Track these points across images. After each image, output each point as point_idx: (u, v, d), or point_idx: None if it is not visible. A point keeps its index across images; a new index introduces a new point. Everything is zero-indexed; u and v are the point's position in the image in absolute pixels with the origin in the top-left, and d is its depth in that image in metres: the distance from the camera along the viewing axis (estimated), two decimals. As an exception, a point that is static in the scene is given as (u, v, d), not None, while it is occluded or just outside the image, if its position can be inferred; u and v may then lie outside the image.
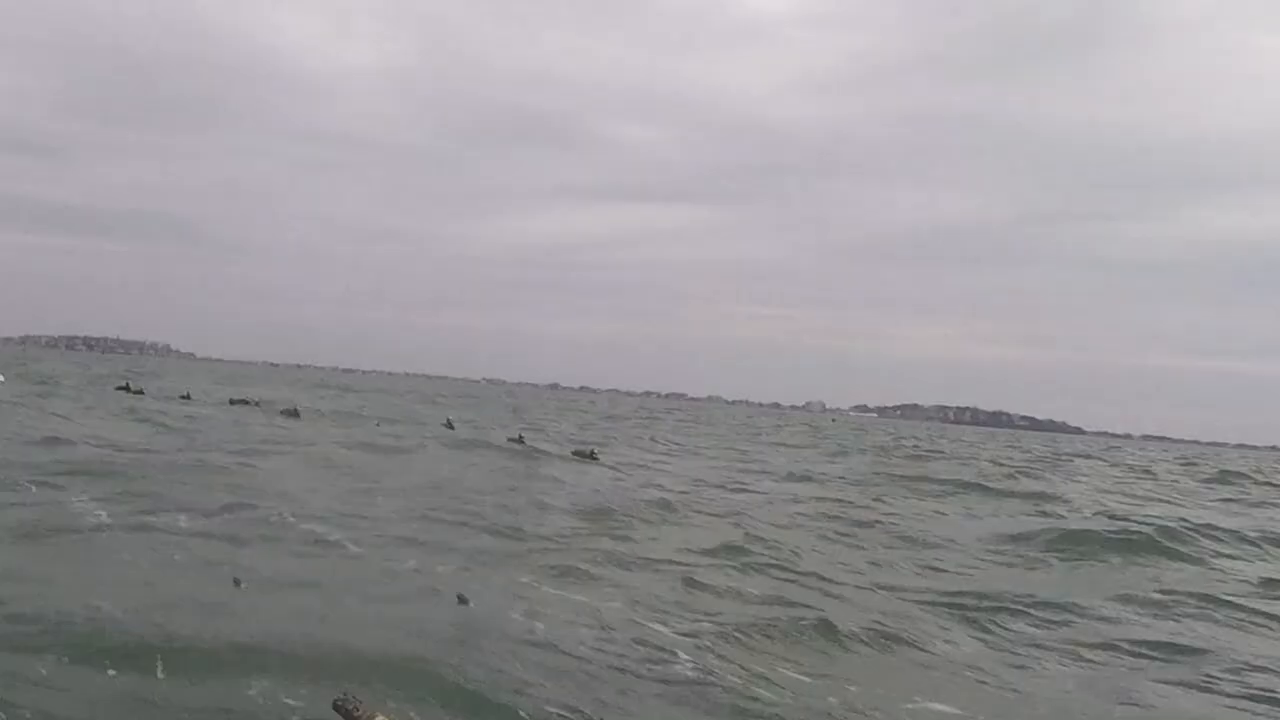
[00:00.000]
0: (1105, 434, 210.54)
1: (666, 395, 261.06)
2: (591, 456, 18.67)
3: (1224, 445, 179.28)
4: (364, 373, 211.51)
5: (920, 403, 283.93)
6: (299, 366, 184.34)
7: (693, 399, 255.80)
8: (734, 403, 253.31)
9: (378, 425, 24.06)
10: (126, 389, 29.30)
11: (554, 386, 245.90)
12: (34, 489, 9.14)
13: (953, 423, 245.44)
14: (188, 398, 26.95)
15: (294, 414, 23.90)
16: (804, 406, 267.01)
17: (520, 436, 20.71)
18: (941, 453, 39.28)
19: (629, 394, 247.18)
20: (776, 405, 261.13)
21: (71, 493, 9.00)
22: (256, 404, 26.66)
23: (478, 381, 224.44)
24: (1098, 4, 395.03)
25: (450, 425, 23.44)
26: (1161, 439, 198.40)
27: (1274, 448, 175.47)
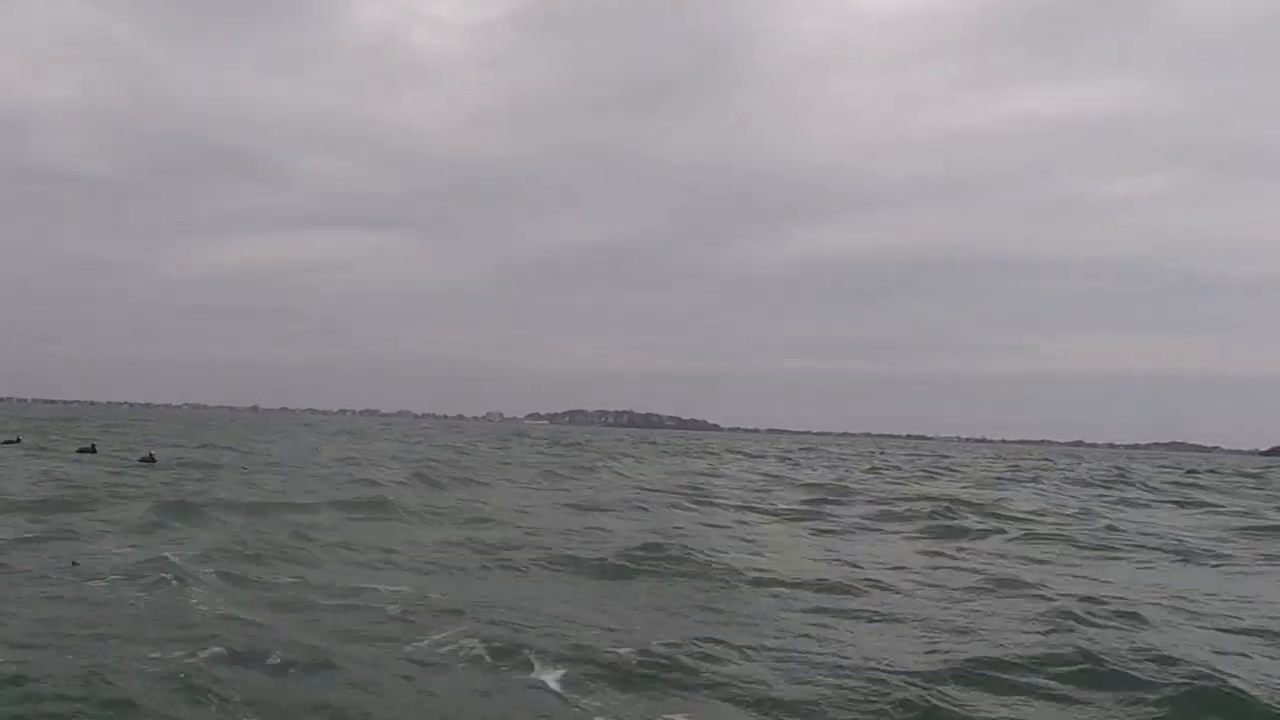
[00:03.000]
0: (739, 429, 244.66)
1: (360, 412, 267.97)
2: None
3: (820, 434, 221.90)
4: (64, 403, 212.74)
5: (585, 408, 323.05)
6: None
7: (384, 414, 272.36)
8: (421, 416, 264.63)
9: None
10: None
11: (254, 409, 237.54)
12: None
13: (611, 425, 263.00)
14: None
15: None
16: (484, 416, 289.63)
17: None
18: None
19: (325, 412, 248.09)
20: (460, 416, 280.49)
21: None
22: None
23: (180, 407, 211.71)
24: (707, 56, 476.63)
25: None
26: (783, 432, 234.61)
27: (847, 434, 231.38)
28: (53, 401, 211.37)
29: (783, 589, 9.61)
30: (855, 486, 28.26)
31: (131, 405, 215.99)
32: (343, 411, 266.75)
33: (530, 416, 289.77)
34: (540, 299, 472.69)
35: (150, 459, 23.85)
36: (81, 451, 26.49)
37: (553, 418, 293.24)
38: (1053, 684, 6.05)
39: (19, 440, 29.84)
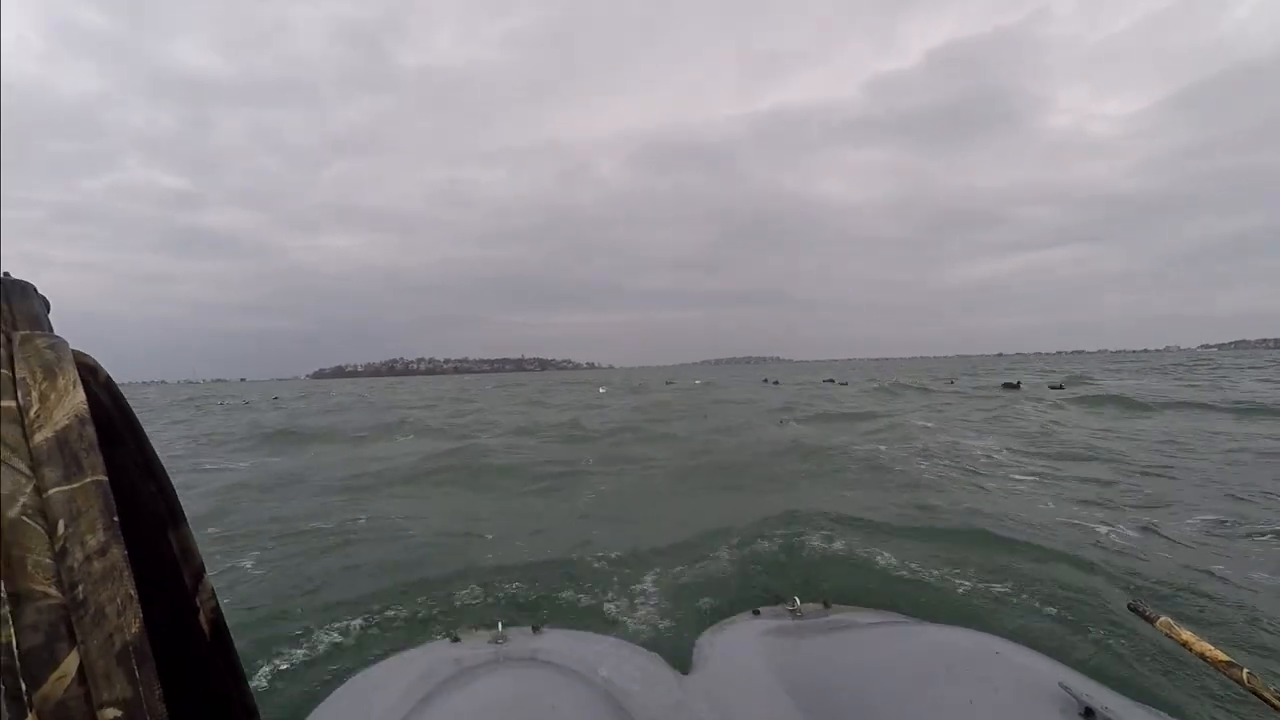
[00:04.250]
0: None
1: (1058, 353, 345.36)
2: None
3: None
4: (923, 358, 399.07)
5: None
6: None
7: (1089, 351, 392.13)
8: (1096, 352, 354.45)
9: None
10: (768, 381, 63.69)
11: (999, 355, 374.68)
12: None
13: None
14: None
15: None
16: (1164, 349, 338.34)
17: None
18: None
19: (1039, 354, 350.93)
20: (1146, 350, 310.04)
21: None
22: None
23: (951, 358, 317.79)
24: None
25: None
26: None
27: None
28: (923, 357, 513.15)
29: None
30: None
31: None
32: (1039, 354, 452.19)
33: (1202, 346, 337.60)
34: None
35: (1059, 385, 39.65)
36: (1006, 386, 40.29)
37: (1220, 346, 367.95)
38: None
39: (1018, 385, 40.69)
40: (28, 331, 0.47)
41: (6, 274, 0.49)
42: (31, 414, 0.43)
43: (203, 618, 0.56)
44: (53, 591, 0.39)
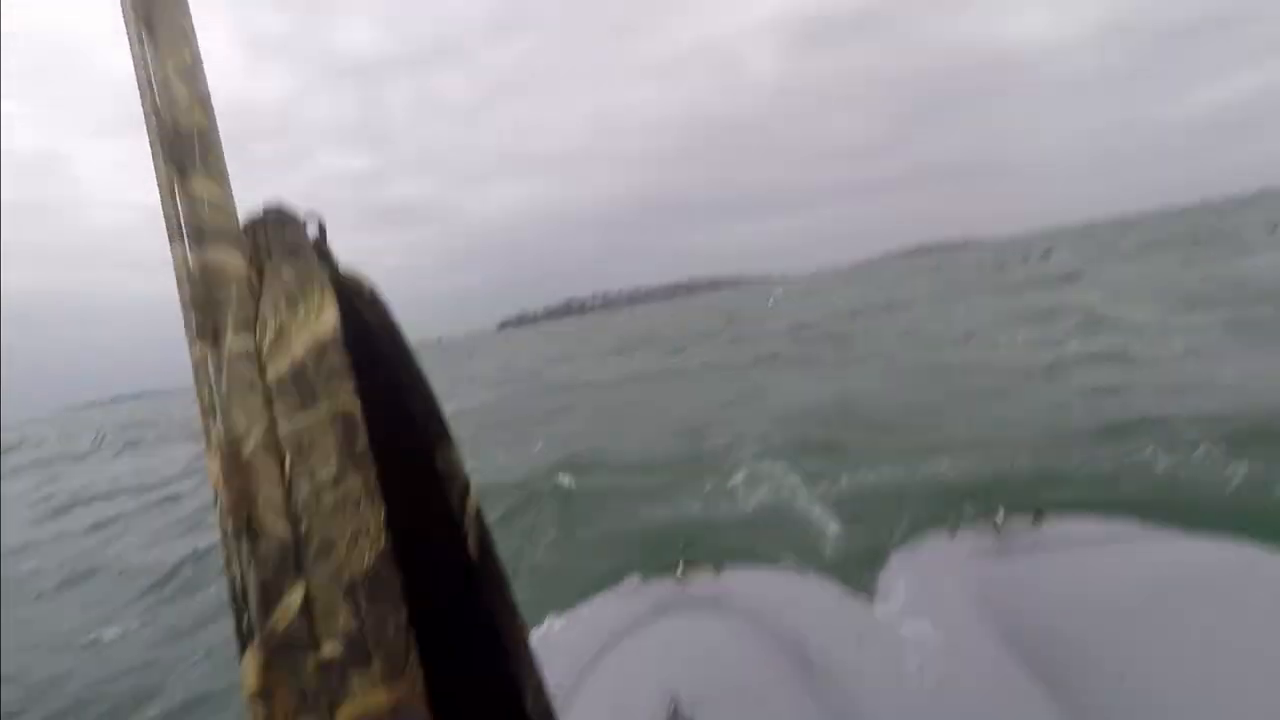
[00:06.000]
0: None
1: None
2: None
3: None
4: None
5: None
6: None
7: None
8: None
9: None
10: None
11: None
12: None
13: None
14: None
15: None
16: None
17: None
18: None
19: None
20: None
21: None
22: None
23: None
24: None
25: None
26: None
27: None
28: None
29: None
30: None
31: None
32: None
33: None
34: None
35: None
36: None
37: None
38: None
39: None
40: (278, 260, 0.46)
41: (279, 203, 0.49)
42: (266, 348, 0.44)
43: (470, 537, 0.56)
44: (281, 526, 0.40)
